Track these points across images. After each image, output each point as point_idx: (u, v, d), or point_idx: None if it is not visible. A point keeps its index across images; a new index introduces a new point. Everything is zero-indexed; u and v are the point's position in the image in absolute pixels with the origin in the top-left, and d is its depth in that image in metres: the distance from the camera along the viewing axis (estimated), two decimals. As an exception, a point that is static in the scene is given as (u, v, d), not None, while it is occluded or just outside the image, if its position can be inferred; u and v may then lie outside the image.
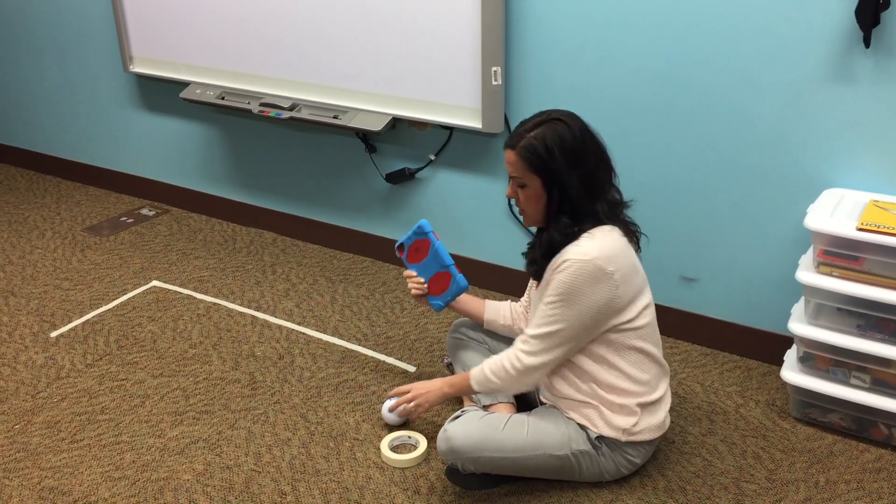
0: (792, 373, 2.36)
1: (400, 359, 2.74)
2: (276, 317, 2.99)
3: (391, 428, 2.38)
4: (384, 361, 2.73)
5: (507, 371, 2.01)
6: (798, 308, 2.37)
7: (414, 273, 2.36)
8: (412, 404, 2.16)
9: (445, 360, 2.62)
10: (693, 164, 2.57)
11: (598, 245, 1.92)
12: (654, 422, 2.07)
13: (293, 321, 2.96)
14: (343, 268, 3.35)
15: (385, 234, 3.35)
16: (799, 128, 2.39)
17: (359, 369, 2.69)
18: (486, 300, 2.39)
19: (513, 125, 2.85)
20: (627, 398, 2.02)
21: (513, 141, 1.97)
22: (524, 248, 2.86)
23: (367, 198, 3.33)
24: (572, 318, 1.93)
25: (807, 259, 2.32)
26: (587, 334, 1.97)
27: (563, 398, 2.10)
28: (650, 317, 2.03)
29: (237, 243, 3.57)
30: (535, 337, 1.98)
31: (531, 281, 2.25)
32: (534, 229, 2.16)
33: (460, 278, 2.30)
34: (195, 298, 3.12)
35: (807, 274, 2.24)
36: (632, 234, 2.03)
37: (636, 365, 2.02)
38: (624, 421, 2.03)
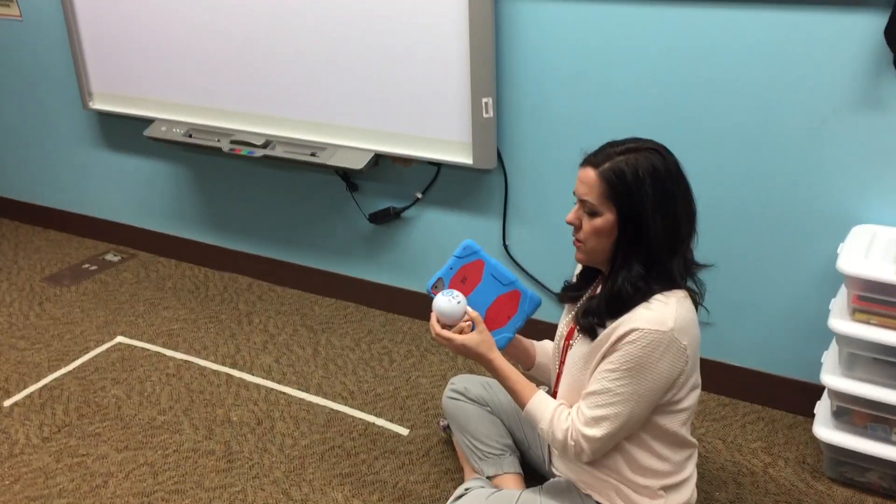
0: (826, 429, 2.14)
1: (391, 420, 2.50)
2: (253, 374, 2.74)
3: (385, 500, 2.14)
4: (373, 423, 2.48)
5: (566, 447, 1.71)
6: (830, 358, 2.15)
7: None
8: (438, 338, 1.81)
9: (442, 423, 2.38)
10: (706, 200, 2.35)
11: (675, 314, 1.64)
12: (681, 501, 1.83)
13: (272, 379, 2.71)
14: (325, 315, 3.10)
15: (369, 277, 3.11)
16: (823, 159, 2.18)
17: (346, 434, 2.43)
18: (534, 341, 2.07)
19: (507, 160, 2.63)
20: (653, 479, 1.78)
21: (597, 159, 1.67)
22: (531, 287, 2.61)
23: (349, 239, 3.09)
24: (639, 396, 1.65)
25: (839, 304, 2.10)
26: (647, 412, 1.71)
27: (580, 472, 1.86)
28: (695, 399, 1.78)
29: (210, 290, 3.31)
30: (597, 420, 1.67)
31: (565, 312, 1.93)
32: (568, 267, 1.86)
33: (533, 293, 1.89)
34: (164, 356, 2.85)
35: (841, 322, 2.03)
36: (695, 301, 1.76)
37: (669, 446, 1.77)
38: (647, 502, 1.80)
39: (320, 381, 2.70)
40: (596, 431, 1.68)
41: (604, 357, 1.68)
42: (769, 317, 2.41)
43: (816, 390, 2.33)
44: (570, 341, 1.85)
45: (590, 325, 1.73)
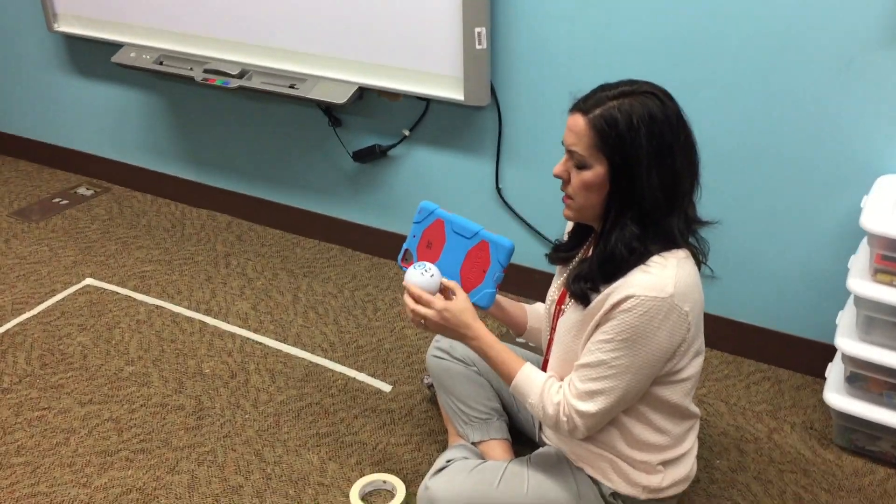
0: (838, 396, 1.99)
1: (373, 374, 2.35)
2: (228, 322, 2.58)
3: (362, 468, 2.00)
4: (354, 378, 2.33)
5: (558, 423, 1.56)
6: (846, 319, 1.99)
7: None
8: (415, 315, 1.63)
9: (426, 380, 2.23)
10: (714, 145, 2.15)
11: (674, 278, 1.46)
12: (680, 475, 1.69)
13: (248, 328, 2.55)
14: (307, 258, 2.93)
15: (354, 218, 2.92)
16: (848, 102, 1.98)
17: (324, 389, 2.29)
18: (525, 304, 1.90)
19: (500, 97, 2.42)
20: (651, 454, 1.64)
21: (587, 105, 1.48)
22: (514, 236, 2.44)
23: (332, 177, 2.89)
24: (637, 369, 1.49)
25: (859, 263, 1.93)
26: (646, 385, 1.55)
27: (571, 443, 1.71)
28: (698, 367, 1.61)
29: (186, 228, 3.13)
30: (591, 395, 1.51)
31: (557, 274, 1.76)
32: (562, 225, 1.69)
33: (501, 238, 1.64)
34: (135, 300, 2.69)
35: (861, 282, 1.86)
36: (698, 261, 1.57)
37: (670, 418, 1.62)
38: (646, 479, 1.65)
39: (299, 330, 2.54)
40: (590, 406, 1.52)
41: (597, 326, 1.52)
42: (779, 272, 2.24)
43: (826, 350, 2.17)
44: (563, 306, 1.68)
45: (581, 290, 1.56)
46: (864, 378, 1.96)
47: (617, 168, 1.46)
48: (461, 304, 1.62)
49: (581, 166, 1.49)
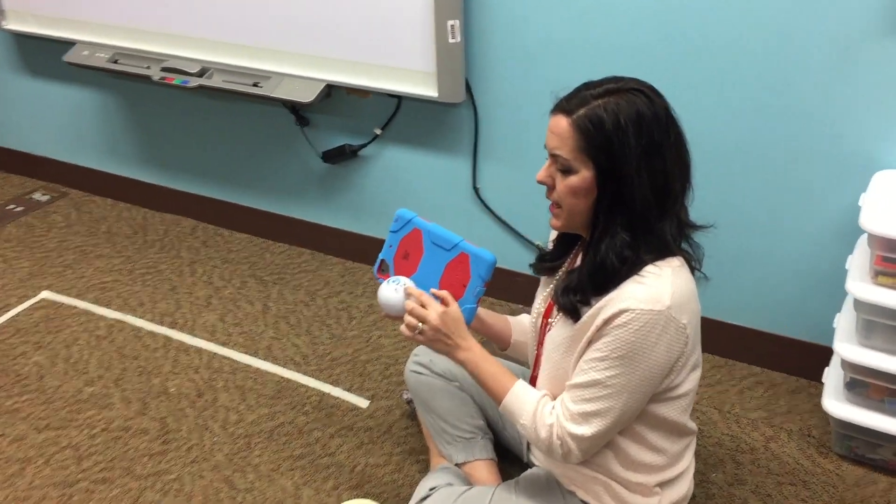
0: (837, 403, 1.90)
1: (349, 389, 2.23)
2: (195, 336, 2.44)
3: (339, 493, 1.88)
4: (329, 394, 2.21)
5: (551, 447, 1.44)
6: (844, 323, 1.90)
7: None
8: (415, 332, 1.50)
9: (406, 396, 2.12)
10: (705, 139, 2.04)
11: (671, 288, 1.36)
12: (678, 496, 1.59)
13: (216, 341, 2.42)
14: (277, 264, 2.79)
15: (325, 221, 2.79)
16: (845, 92, 1.88)
17: (298, 407, 2.16)
18: (508, 316, 1.79)
19: (476, 93, 2.30)
20: (648, 475, 1.53)
21: (570, 104, 1.36)
22: (493, 238, 2.33)
23: (301, 179, 2.76)
24: (634, 387, 1.38)
25: (858, 264, 1.84)
26: (644, 403, 1.44)
27: (562, 465, 1.60)
28: (696, 381, 1.51)
29: (149, 234, 2.98)
30: (586, 417, 1.40)
31: (542, 285, 1.65)
32: (547, 234, 1.59)
33: (482, 251, 1.51)
34: (94, 314, 2.54)
35: (861, 285, 1.76)
36: (691, 268, 1.47)
37: (667, 436, 1.52)
38: (642, 501, 1.55)
39: (270, 342, 2.41)
40: (585, 429, 1.41)
41: (590, 343, 1.41)
42: (771, 272, 2.14)
43: (821, 352, 2.09)
44: (550, 320, 1.57)
45: (571, 304, 1.44)
46: (864, 384, 1.87)
47: (604, 171, 1.36)
48: (458, 312, 1.51)
49: (566, 171, 1.38)
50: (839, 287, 1.87)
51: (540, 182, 1.43)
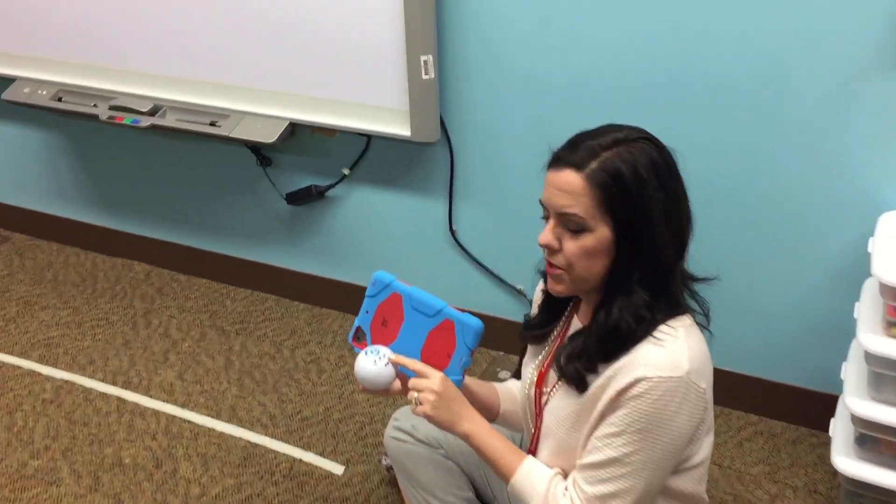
0: (847, 459, 1.78)
1: (321, 453, 2.06)
2: (151, 397, 2.25)
3: None
4: (300, 460, 2.04)
5: None
6: (853, 375, 1.78)
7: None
8: (416, 404, 1.35)
9: (385, 461, 1.96)
10: (701, 180, 1.92)
11: (687, 351, 1.23)
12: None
13: (175, 402, 2.23)
14: (239, 311, 2.62)
15: (290, 265, 2.62)
16: (846, 130, 1.78)
17: (266, 476, 1.99)
18: (495, 384, 1.63)
19: (451, 131, 2.16)
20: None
21: (578, 157, 1.23)
22: (471, 282, 2.19)
23: (264, 221, 2.59)
24: (656, 462, 1.24)
25: (868, 313, 1.72)
26: (666, 478, 1.30)
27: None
28: (710, 447, 1.37)
29: (99, 282, 2.78)
30: (604, 499, 1.26)
31: (531, 354, 1.49)
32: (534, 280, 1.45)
33: (468, 318, 1.36)
34: (40, 375, 2.34)
35: (873, 338, 1.65)
36: (700, 326, 1.34)
37: (679, 508, 1.38)
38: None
39: (234, 402, 2.23)
40: None
41: (602, 417, 1.27)
42: (770, 316, 2.03)
43: (822, 400, 1.99)
44: (544, 389, 1.42)
45: (577, 373, 1.30)
46: (875, 439, 1.76)
47: (624, 228, 1.23)
48: (448, 406, 1.35)
49: (579, 230, 1.24)
50: (841, 332, 1.78)
51: (545, 246, 1.29)
